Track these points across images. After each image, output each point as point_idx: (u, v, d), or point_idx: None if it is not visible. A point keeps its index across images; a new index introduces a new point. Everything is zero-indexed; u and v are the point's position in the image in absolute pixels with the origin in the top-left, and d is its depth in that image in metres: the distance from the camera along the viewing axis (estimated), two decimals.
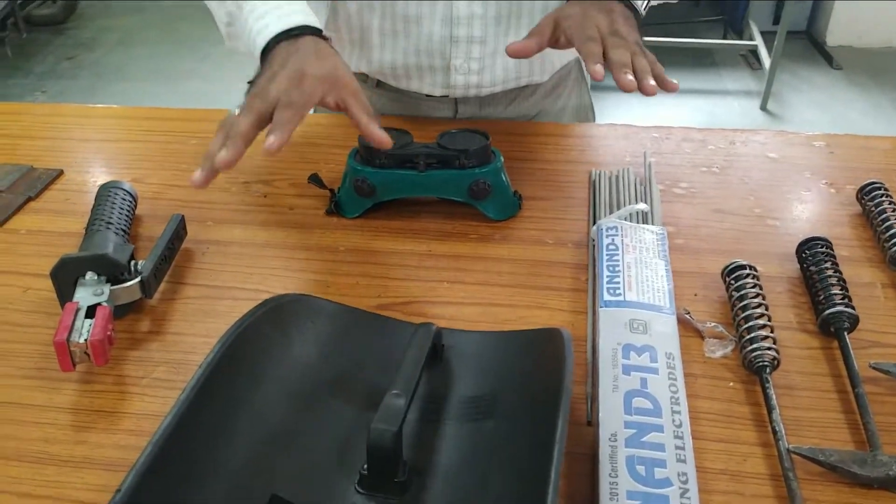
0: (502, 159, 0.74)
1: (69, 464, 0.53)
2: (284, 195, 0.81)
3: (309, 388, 0.54)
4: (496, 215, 0.75)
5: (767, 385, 0.55)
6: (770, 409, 0.54)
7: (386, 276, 0.69)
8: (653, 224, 0.72)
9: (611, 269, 0.64)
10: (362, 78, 0.94)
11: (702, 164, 0.83)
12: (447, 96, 0.91)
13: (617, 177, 0.79)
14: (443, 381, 0.56)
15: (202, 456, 0.46)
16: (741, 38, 3.29)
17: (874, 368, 0.57)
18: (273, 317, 0.55)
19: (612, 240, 0.67)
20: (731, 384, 0.58)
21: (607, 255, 0.65)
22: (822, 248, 0.66)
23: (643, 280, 0.62)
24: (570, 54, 0.92)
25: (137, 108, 1.00)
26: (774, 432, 0.52)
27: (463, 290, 0.67)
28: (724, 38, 3.39)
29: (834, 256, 0.66)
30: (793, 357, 0.60)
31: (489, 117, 0.94)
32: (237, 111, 0.65)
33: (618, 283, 0.62)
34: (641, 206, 0.72)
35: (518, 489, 0.45)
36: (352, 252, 0.72)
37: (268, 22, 0.69)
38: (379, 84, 0.93)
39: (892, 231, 0.69)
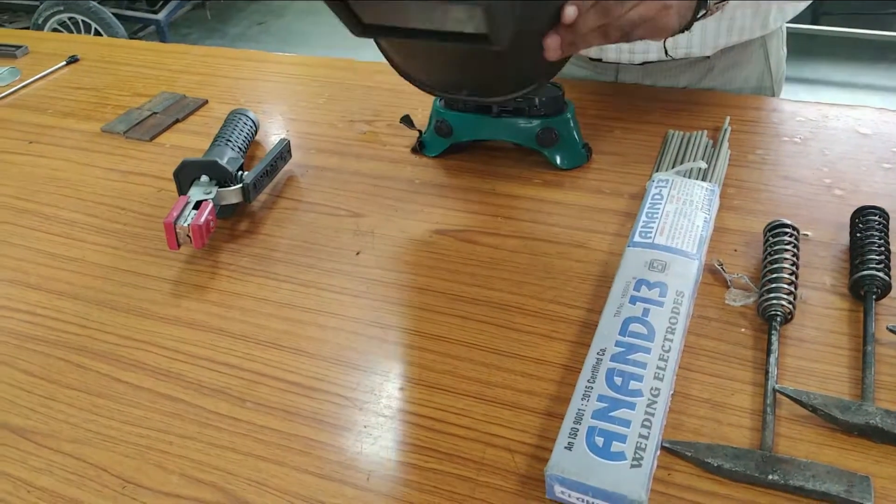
0: (573, 111, 0.79)
1: (164, 320, 0.66)
2: (381, 133, 0.91)
3: None
4: (562, 164, 0.80)
5: (774, 332, 0.57)
6: (769, 353, 0.56)
7: (447, 207, 0.77)
8: (714, 181, 0.74)
9: (649, 215, 0.67)
10: None
11: (784, 134, 0.83)
12: (601, 60, 0.94)
13: (689, 138, 0.81)
14: None
15: None
16: None
17: (890, 330, 0.57)
18: None
19: (660, 191, 0.70)
20: (743, 330, 0.60)
21: (650, 203, 0.69)
22: (876, 216, 0.66)
23: (677, 227, 0.65)
24: (738, 34, 0.87)
25: (274, 53, 1.14)
26: (766, 372, 0.55)
27: (512, 224, 0.73)
28: None
29: (886, 227, 0.65)
30: (814, 314, 0.61)
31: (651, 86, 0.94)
32: None
33: (651, 227, 0.66)
34: (700, 163, 0.74)
35: None
36: (424, 185, 0.80)
37: None
38: None
39: None
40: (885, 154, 0.78)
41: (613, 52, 0.91)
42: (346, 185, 0.81)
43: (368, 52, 0.91)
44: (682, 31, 0.67)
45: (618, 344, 0.55)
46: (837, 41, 2.98)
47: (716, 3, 0.68)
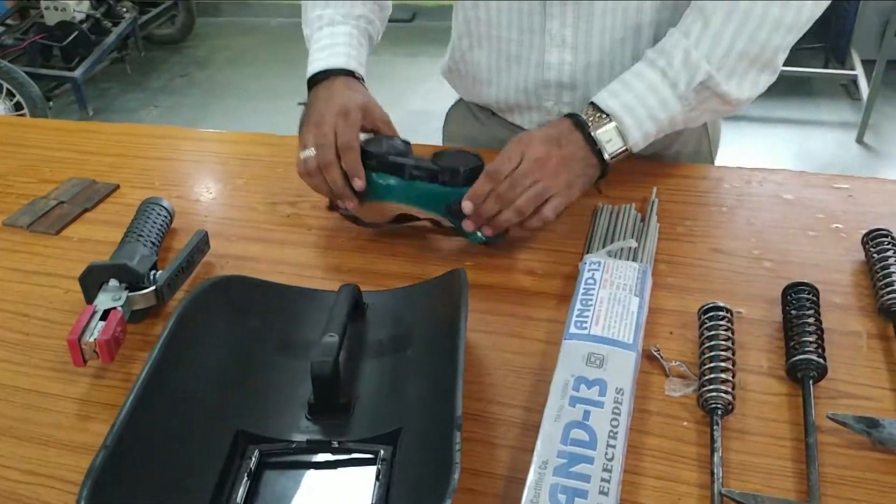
0: None
1: (69, 448, 0.60)
2: (306, 216, 0.87)
3: (258, 348, 0.64)
4: (474, 238, 0.77)
5: (716, 427, 0.56)
6: (713, 451, 0.54)
7: None
8: (642, 261, 0.73)
9: (584, 302, 0.66)
10: (478, 109, 1.01)
11: (712, 203, 0.83)
12: None
13: (618, 212, 0.80)
14: (366, 330, 0.67)
15: (174, 407, 0.56)
16: (843, 67, 3.14)
17: (831, 419, 0.56)
18: (220, 291, 0.66)
19: (593, 274, 0.69)
20: (685, 424, 0.58)
21: (584, 289, 0.67)
22: (807, 293, 0.66)
23: (612, 315, 0.64)
24: None
25: (191, 130, 1.10)
26: (712, 474, 0.53)
27: None
28: (826, 66, 3.24)
29: (817, 304, 0.65)
30: (754, 402, 0.60)
31: None
32: (306, 153, 0.79)
33: (586, 316, 0.64)
34: (630, 242, 0.73)
35: (432, 393, 0.56)
36: (354, 272, 0.77)
37: (319, 56, 0.87)
38: (493, 114, 0.99)
39: (888, 279, 0.67)
40: (808, 221, 0.79)
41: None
42: (268, 277, 0.77)
43: (294, 101, 0.89)
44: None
45: (560, 455, 0.53)
46: None
47: (615, 160, 0.77)
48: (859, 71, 2.93)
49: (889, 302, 0.65)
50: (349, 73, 0.86)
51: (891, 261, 0.69)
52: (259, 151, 1.02)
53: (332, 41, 0.89)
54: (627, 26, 0.81)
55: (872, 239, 0.72)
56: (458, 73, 0.97)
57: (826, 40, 3.27)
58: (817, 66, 3.22)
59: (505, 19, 0.86)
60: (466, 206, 0.73)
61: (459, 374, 0.52)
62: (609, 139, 0.75)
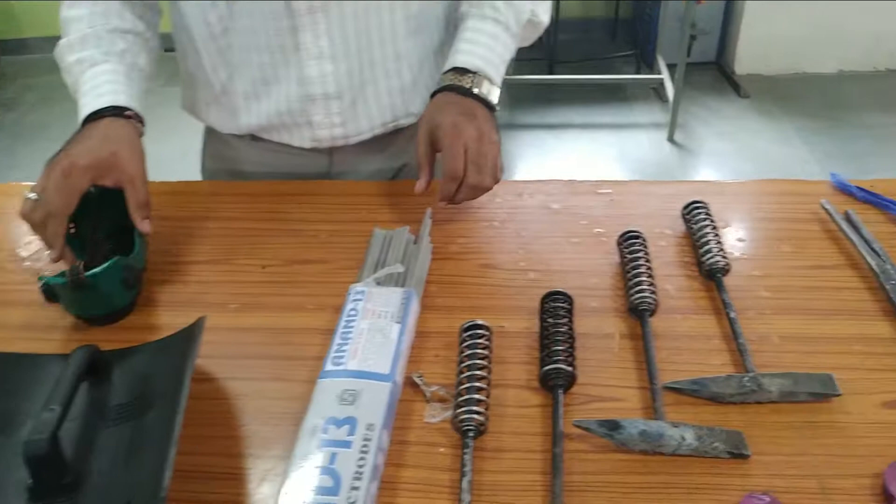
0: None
1: None
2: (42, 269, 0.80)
3: None
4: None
5: (466, 451, 0.55)
6: (462, 476, 0.54)
7: None
8: (410, 285, 0.72)
9: (343, 336, 0.64)
10: (234, 137, 0.96)
11: (483, 219, 0.84)
12: (316, 149, 0.93)
13: (392, 236, 0.79)
14: (109, 393, 0.62)
15: None
16: (651, 72, 3.36)
17: (577, 426, 0.57)
18: None
19: (356, 305, 0.67)
20: (442, 450, 0.57)
21: (345, 322, 0.65)
22: (561, 302, 0.67)
23: (371, 346, 0.62)
24: None
25: None
26: (460, 501, 0.52)
27: (206, 363, 0.66)
28: (638, 72, 3.46)
29: (571, 311, 0.67)
30: (511, 417, 0.60)
31: (364, 167, 0.96)
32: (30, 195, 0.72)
33: (344, 351, 0.62)
34: (396, 267, 0.72)
35: (150, 470, 0.52)
36: (97, 329, 0.71)
37: (85, 101, 0.79)
38: (254, 138, 0.94)
39: (637, 279, 0.70)
40: (573, 228, 0.82)
41: (328, 139, 0.90)
42: None
43: None
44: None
45: None
46: (573, 87, 3.25)
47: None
48: (665, 75, 3.13)
49: (637, 300, 0.68)
50: (120, 111, 0.78)
51: (640, 261, 0.72)
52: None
53: (97, 81, 0.80)
54: (383, 26, 0.84)
55: (625, 241, 0.75)
56: (219, 105, 0.92)
57: (636, 47, 3.49)
58: (630, 73, 3.42)
59: (255, 42, 0.84)
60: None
61: (173, 443, 0.49)
62: (488, 91, 0.82)
